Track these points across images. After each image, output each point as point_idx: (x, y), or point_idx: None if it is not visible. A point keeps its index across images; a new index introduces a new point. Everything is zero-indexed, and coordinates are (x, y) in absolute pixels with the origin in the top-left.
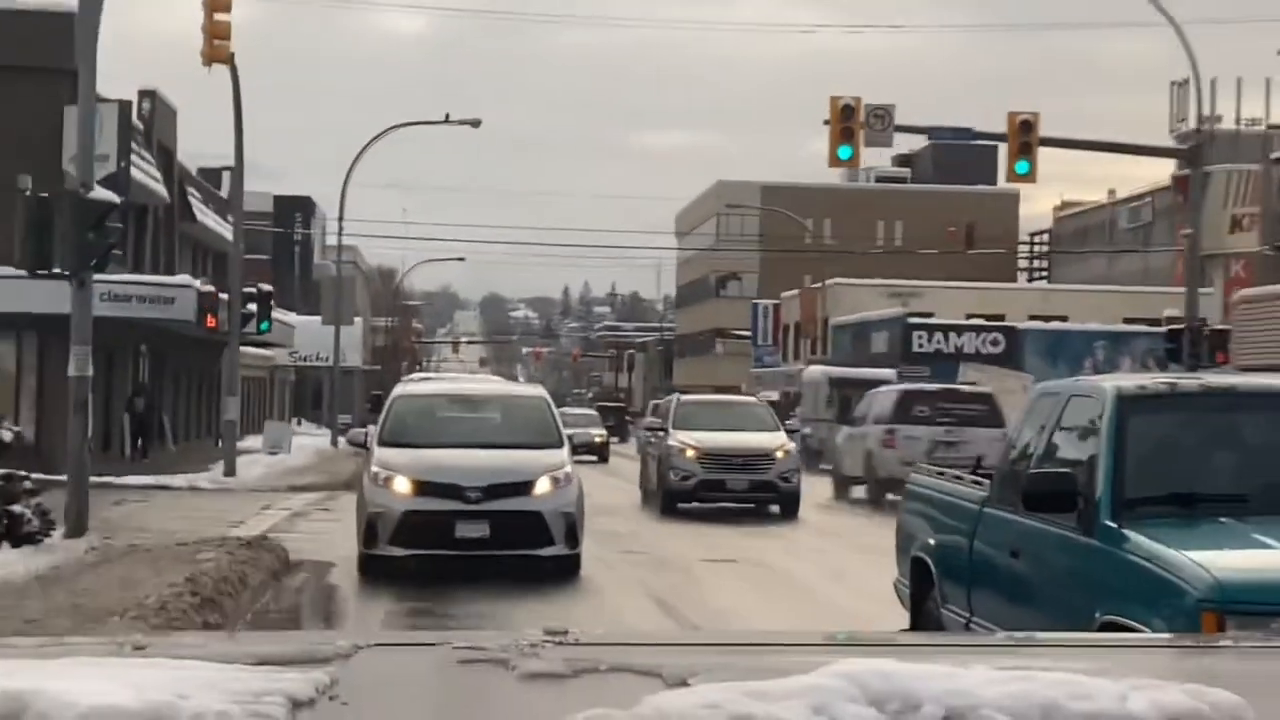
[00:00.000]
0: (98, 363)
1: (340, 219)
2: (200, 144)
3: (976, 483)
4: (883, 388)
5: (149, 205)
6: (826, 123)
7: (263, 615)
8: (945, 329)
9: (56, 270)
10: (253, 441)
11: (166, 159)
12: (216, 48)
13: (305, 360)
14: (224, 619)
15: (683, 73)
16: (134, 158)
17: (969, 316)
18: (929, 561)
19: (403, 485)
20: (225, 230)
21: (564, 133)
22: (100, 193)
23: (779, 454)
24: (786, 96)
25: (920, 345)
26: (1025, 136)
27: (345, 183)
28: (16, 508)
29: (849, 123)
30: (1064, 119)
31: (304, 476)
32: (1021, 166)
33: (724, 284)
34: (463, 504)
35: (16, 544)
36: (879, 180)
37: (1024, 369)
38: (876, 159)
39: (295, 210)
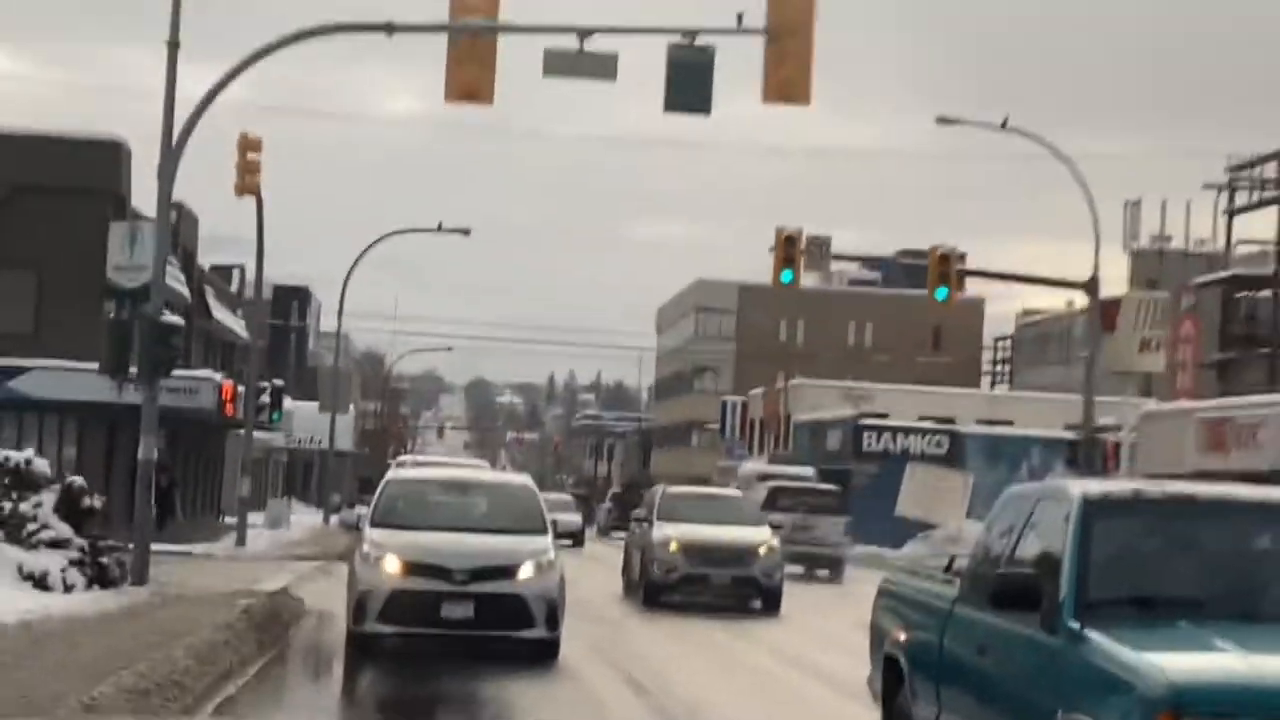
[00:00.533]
0: (128, 443)
1: (339, 314)
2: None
3: (947, 582)
4: (758, 484)
5: (172, 303)
6: (772, 249)
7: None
8: (894, 430)
9: (133, 373)
10: (253, 517)
11: (188, 261)
12: (248, 182)
13: (300, 443)
14: (270, 640)
15: (675, 166)
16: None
17: (921, 418)
18: (900, 658)
19: (392, 565)
20: (234, 324)
21: (556, 224)
22: (169, 316)
23: (762, 550)
24: (777, 191)
25: (870, 445)
26: (944, 268)
27: (344, 286)
28: (104, 559)
29: (791, 251)
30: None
31: (303, 548)
32: (940, 293)
33: (700, 378)
34: (449, 585)
35: (104, 586)
36: (851, 283)
37: (966, 469)
38: (849, 262)
39: (293, 299)
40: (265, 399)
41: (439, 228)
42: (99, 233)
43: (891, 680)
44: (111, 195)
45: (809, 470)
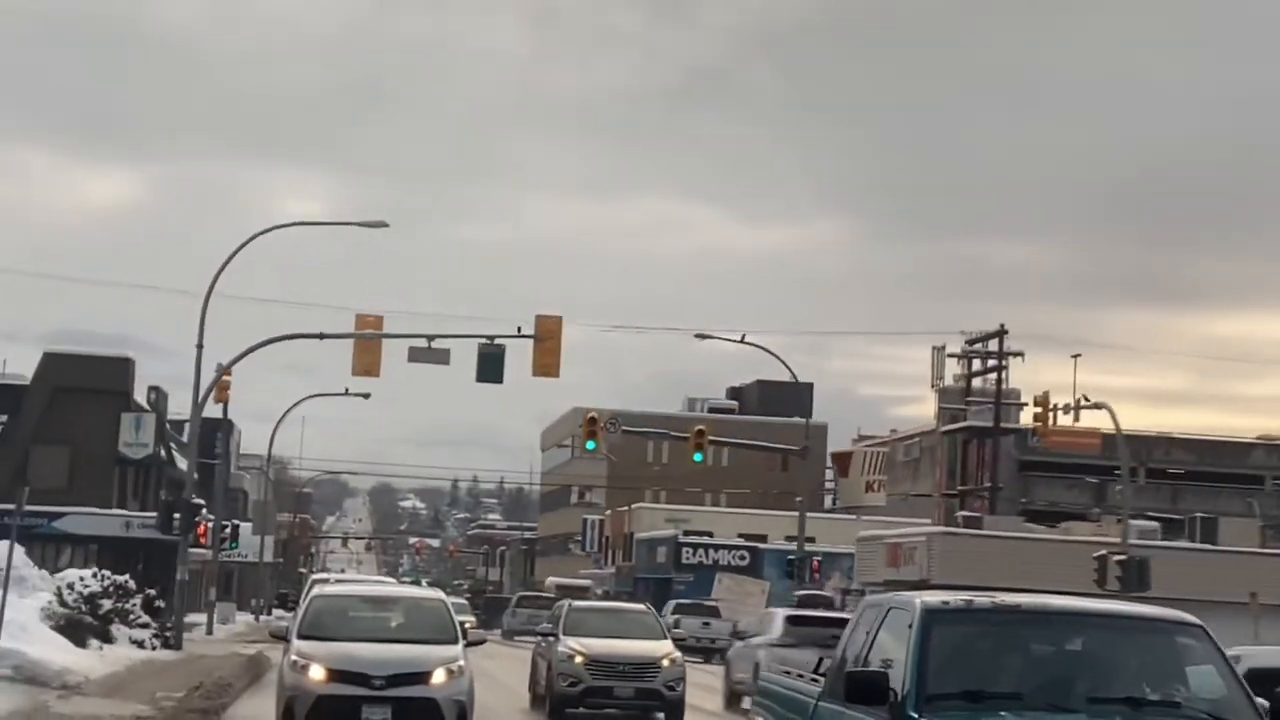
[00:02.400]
0: (135, 561)
1: (269, 454)
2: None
3: (814, 680)
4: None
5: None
6: (581, 426)
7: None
8: (707, 546)
9: (176, 530)
10: (194, 618)
11: (160, 426)
12: (219, 395)
13: (228, 556)
14: (256, 672)
15: (579, 266)
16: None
17: (739, 535)
18: None
19: (317, 672)
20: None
21: (458, 323)
22: (196, 501)
23: (665, 662)
24: (683, 290)
25: (688, 558)
26: (593, 427)
27: (274, 431)
28: (167, 634)
29: (594, 427)
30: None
31: (250, 636)
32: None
33: (575, 495)
34: (369, 690)
35: (168, 648)
36: (711, 410)
37: (764, 577)
38: (712, 391)
39: (217, 430)
40: (226, 531)
41: (346, 391)
42: (114, 419)
43: None
44: (123, 395)
45: (608, 570)
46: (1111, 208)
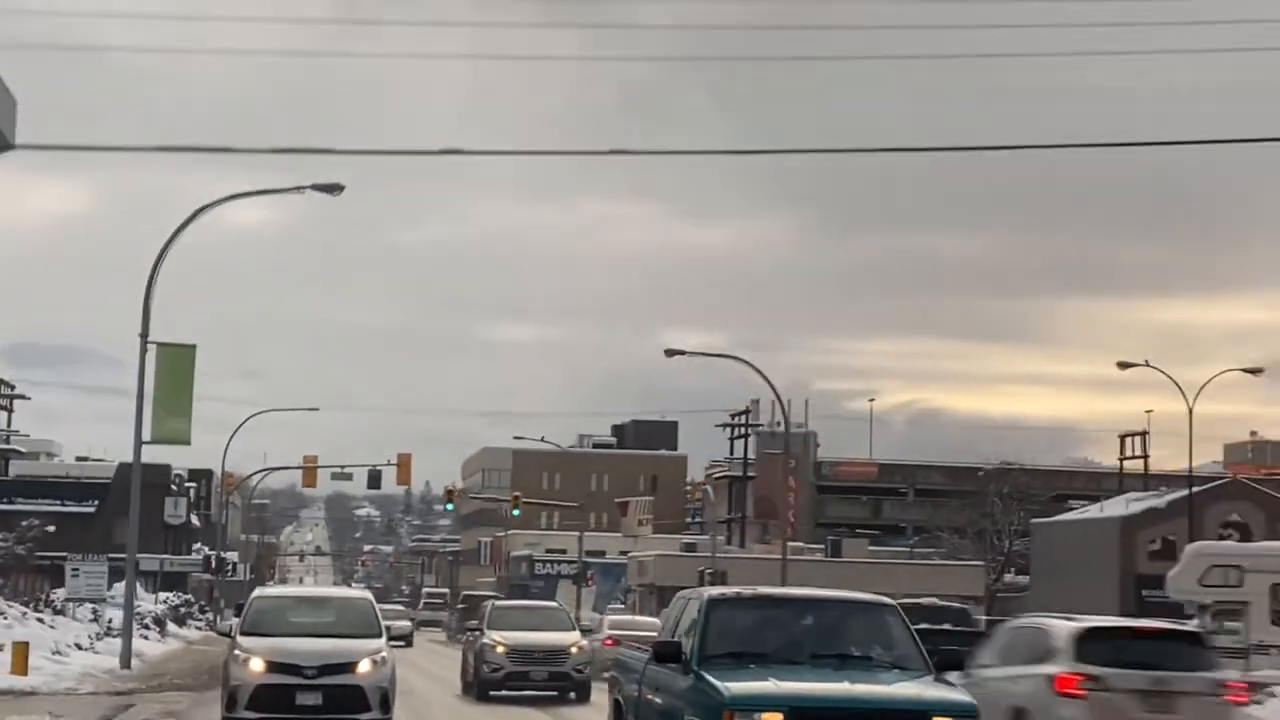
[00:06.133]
0: (174, 586)
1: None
2: None
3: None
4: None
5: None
6: (448, 491)
7: None
8: (552, 561)
9: (213, 570)
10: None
11: (190, 503)
12: (227, 483)
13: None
14: None
15: (529, 268)
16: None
17: (587, 553)
18: (620, 700)
19: (257, 664)
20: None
21: (412, 326)
22: (225, 555)
23: (573, 649)
24: (633, 288)
25: (540, 570)
26: (450, 496)
27: (226, 450)
28: (214, 626)
29: (450, 495)
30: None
31: None
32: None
33: (486, 515)
34: (302, 679)
35: (212, 629)
36: (595, 446)
37: (591, 585)
38: (598, 428)
39: (202, 477)
40: (228, 566)
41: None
42: (160, 500)
43: (617, 715)
44: (165, 485)
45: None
46: (1048, 200)
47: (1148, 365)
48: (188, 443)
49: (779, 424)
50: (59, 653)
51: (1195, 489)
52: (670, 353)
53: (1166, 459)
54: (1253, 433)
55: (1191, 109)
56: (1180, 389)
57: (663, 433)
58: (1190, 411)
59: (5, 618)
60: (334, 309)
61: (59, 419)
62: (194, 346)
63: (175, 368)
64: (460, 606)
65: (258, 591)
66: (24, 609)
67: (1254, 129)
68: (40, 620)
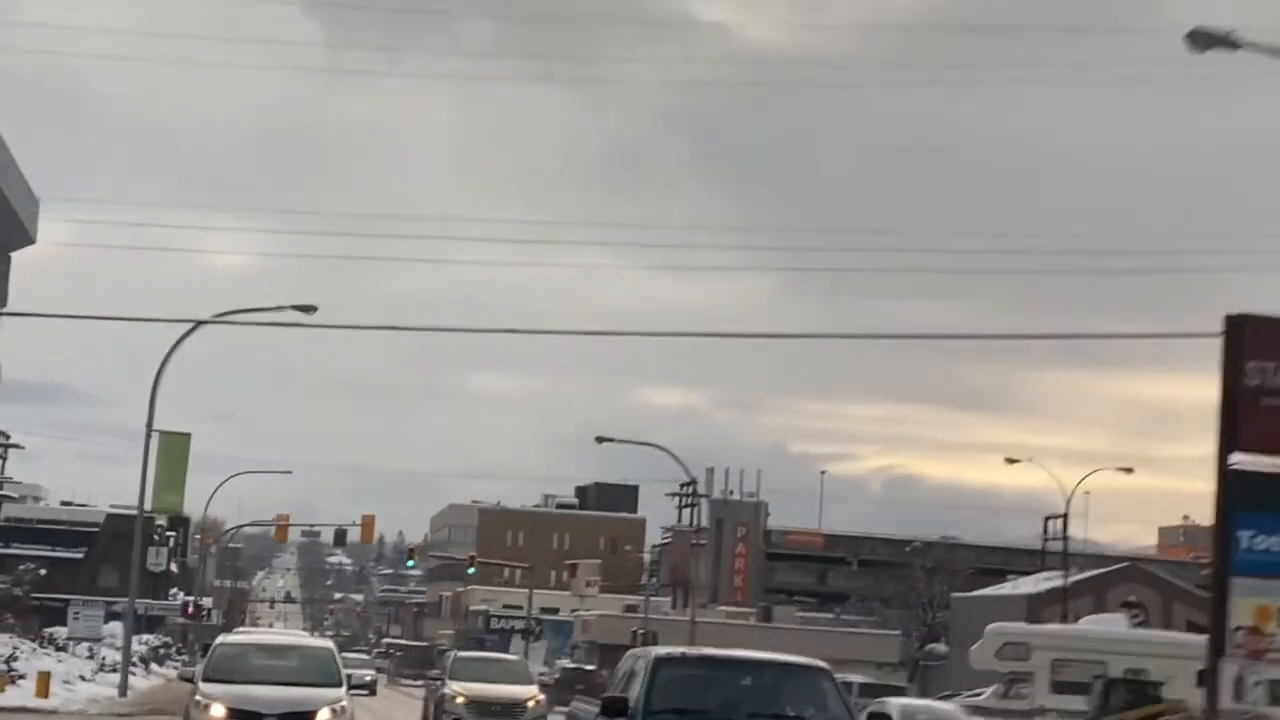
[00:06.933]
0: (154, 628)
1: (227, 542)
2: None
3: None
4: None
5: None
6: (414, 548)
7: None
8: (507, 616)
9: (190, 615)
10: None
11: (170, 551)
12: (207, 542)
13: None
14: None
15: (508, 318)
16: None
17: (542, 610)
18: None
19: (218, 710)
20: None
21: (389, 374)
22: (202, 601)
23: (530, 703)
24: (610, 342)
25: (495, 625)
26: (415, 553)
27: (207, 505)
28: (190, 665)
29: (412, 553)
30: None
31: None
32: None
33: (451, 571)
34: None
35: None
36: (558, 506)
37: (544, 640)
38: (562, 489)
39: (179, 525)
40: (207, 608)
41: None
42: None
43: None
44: (150, 535)
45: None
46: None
47: (1031, 461)
48: (181, 512)
49: (731, 492)
50: (68, 682)
51: (1102, 570)
52: (600, 439)
53: (1136, 533)
54: (1185, 516)
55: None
56: (1060, 484)
57: (624, 496)
58: (1067, 504)
59: (22, 652)
60: (313, 355)
61: (37, 456)
62: (189, 435)
63: (172, 451)
64: (398, 654)
65: (220, 638)
66: (34, 645)
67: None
68: (48, 655)
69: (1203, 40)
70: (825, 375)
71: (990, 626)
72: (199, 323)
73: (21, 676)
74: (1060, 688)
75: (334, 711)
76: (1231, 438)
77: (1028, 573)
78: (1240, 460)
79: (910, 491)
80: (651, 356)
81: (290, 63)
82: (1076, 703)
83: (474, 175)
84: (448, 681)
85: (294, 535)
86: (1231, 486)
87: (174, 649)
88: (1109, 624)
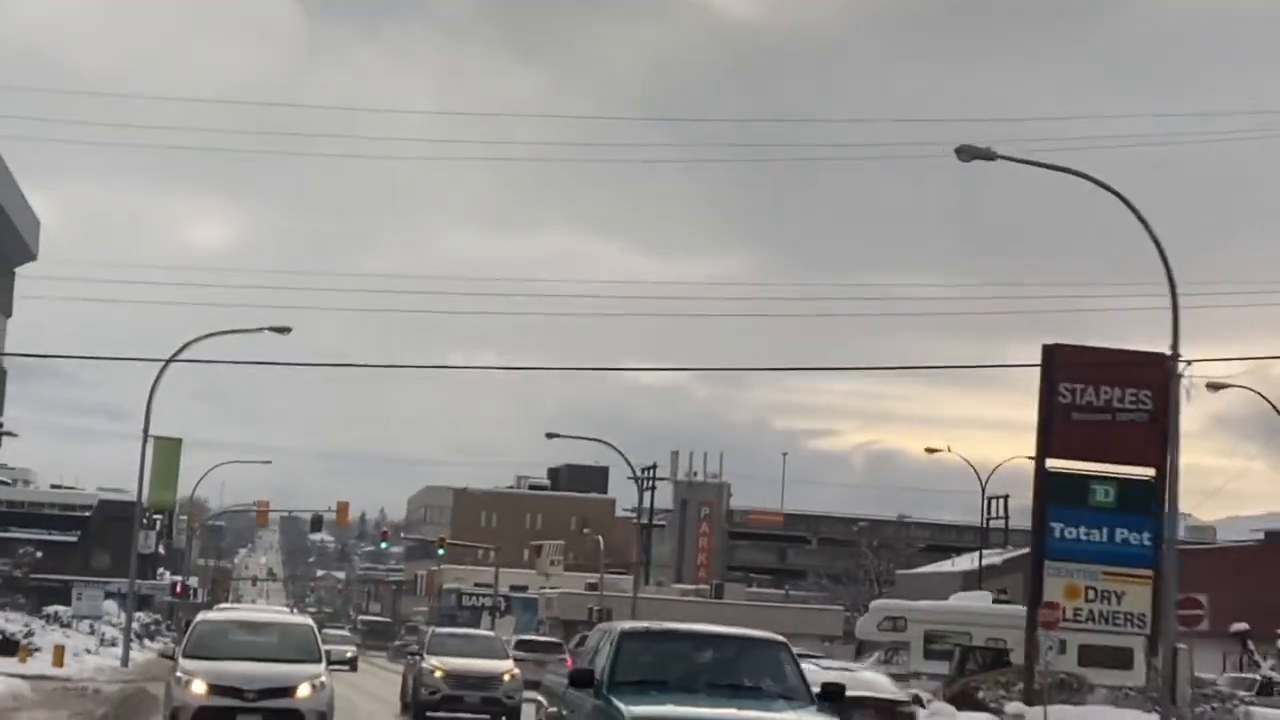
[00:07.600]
0: (145, 606)
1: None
2: None
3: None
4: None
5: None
6: (384, 530)
7: None
8: (476, 594)
9: (179, 594)
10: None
11: (159, 534)
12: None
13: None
14: None
15: (494, 298)
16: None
17: (512, 588)
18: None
19: (199, 686)
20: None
21: (373, 352)
22: (190, 580)
23: (506, 677)
24: (595, 322)
25: (466, 602)
26: (440, 551)
27: (191, 495)
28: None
29: (385, 536)
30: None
31: None
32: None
33: (427, 550)
34: (242, 702)
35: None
36: (531, 488)
37: (511, 614)
38: (534, 470)
39: (165, 507)
40: (193, 586)
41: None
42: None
43: None
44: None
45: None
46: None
47: (949, 451)
48: (173, 508)
49: (695, 474)
50: (76, 655)
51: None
52: (550, 435)
53: None
54: None
55: None
56: (975, 471)
57: (594, 477)
58: (984, 491)
59: (33, 629)
60: (294, 332)
61: (21, 434)
62: (180, 440)
63: (166, 453)
64: (363, 629)
65: (201, 615)
66: (43, 623)
67: None
68: (54, 631)
69: (967, 153)
70: (807, 351)
71: (874, 604)
72: (184, 345)
73: (38, 649)
74: (932, 654)
75: (314, 687)
76: (1047, 446)
77: (977, 549)
78: (1054, 464)
79: (891, 467)
80: (633, 335)
81: (270, 40)
82: (944, 668)
83: (452, 153)
84: (426, 656)
85: (275, 515)
86: (1046, 487)
87: (164, 625)
88: (975, 600)
